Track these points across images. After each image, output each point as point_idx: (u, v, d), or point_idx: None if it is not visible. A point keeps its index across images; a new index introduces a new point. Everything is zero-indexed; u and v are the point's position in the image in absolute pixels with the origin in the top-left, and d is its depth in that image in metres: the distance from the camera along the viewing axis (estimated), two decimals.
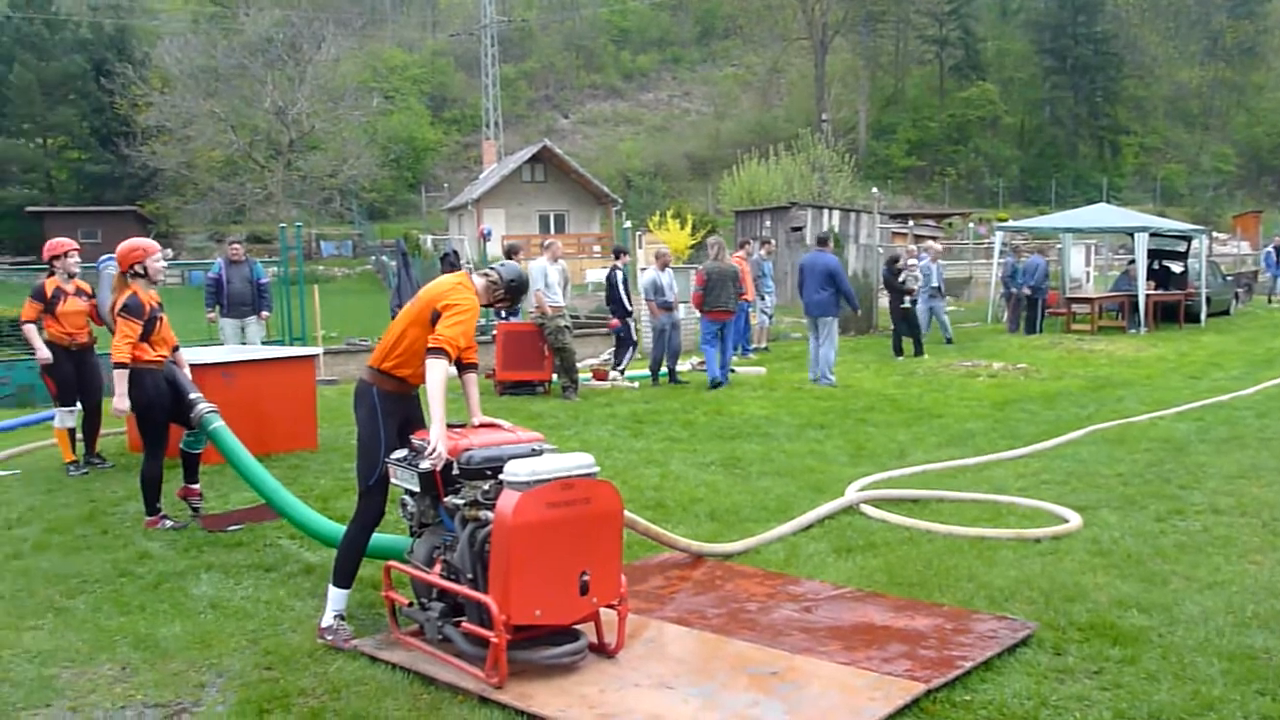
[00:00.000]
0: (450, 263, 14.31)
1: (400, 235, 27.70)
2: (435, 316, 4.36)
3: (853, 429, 9.35)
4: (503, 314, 13.65)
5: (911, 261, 15.29)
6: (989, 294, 21.90)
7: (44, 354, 8.01)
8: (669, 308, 12.65)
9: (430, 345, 4.28)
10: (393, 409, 4.51)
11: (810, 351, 12.64)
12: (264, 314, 12.09)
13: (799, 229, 23.88)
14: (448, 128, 62.35)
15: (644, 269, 14.74)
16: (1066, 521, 5.81)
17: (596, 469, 4.02)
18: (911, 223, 32.40)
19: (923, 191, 59.91)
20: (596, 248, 40.73)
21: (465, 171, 57.34)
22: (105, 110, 45.98)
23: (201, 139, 42.76)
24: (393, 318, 5.12)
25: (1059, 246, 22.91)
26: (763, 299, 16.84)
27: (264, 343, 12.00)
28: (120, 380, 6.00)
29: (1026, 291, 18.03)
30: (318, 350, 10.80)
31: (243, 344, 11.31)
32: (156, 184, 46.51)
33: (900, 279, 14.84)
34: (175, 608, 4.82)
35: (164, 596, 5.00)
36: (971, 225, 38.87)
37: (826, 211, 23.57)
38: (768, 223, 25.93)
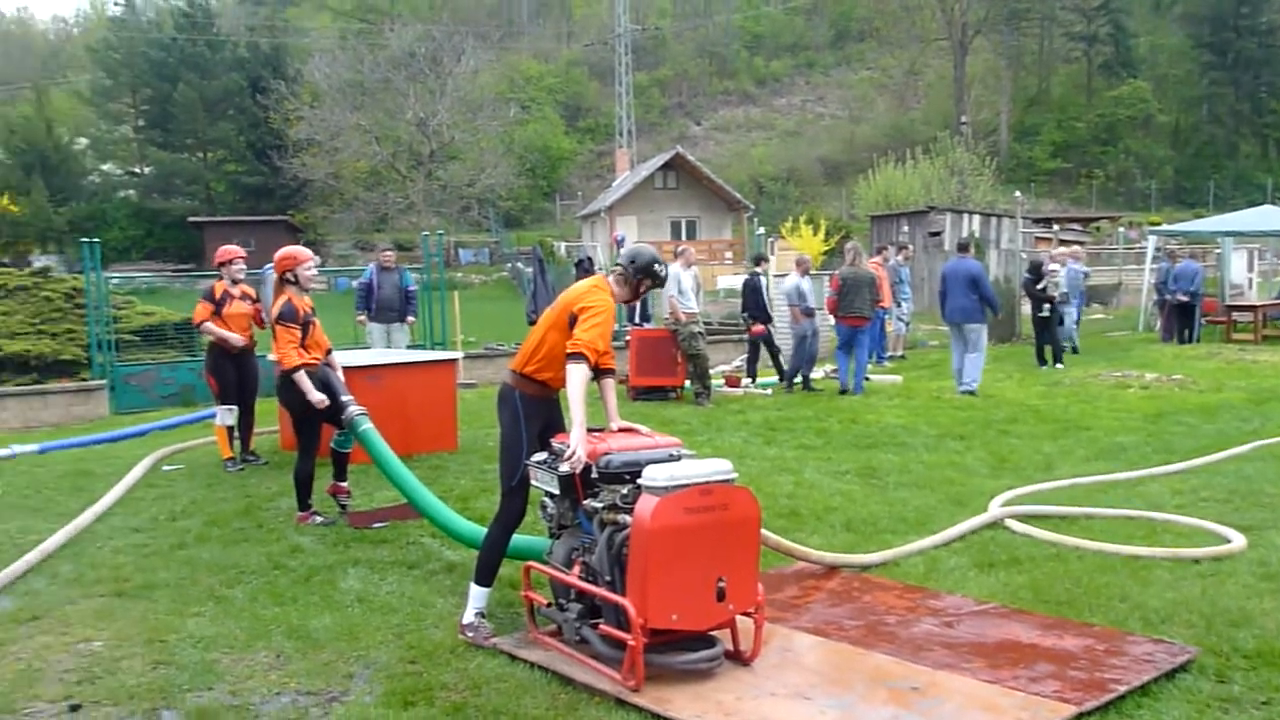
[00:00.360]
0: (584, 269, 14.49)
1: (535, 242, 28.19)
2: (573, 320, 4.42)
3: (995, 440, 9.08)
4: (636, 319, 13.79)
5: (1054, 267, 14.75)
6: (1140, 301, 20.96)
7: (236, 339, 8.42)
8: (810, 314, 12.58)
9: (569, 351, 4.34)
10: (534, 413, 4.59)
11: (953, 360, 12.32)
12: (410, 319, 12.43)
13: (937, 234, 23.36)
14: (582, 136, 63.24)
15: (779, 275, 14.62)
16: (1229, 542, 5.49)
17: (735, 475, 4.01)
18: (1056, 227, 31.27)
19: (1068, 195, 57.72)
20: (728, 254, 40.65)
21: (598, 179, 58.05)
22: (260, 125, 48.21)
23: (348, 151, 44.39)
24: (529, 324, 5.21)
25: (1217, 251, 21.75)
26: (899, 306, 16.52)
27: (408, 347, 12.36)
28: (301, 381, 6.30)
29: (1182, 298, 17.12)
30: (458, 355, 11.07)
31: (388, 348, 11.68)
32: (306, 194, 48.57)
33: (1040, 285, 14.34)
34: (325, 600, 5.01)
35: (314, 589, 5.20)
36: (1121, 230, 37.26)
37: (966, 216, 23.00)
38: (905, 228, 25.45)
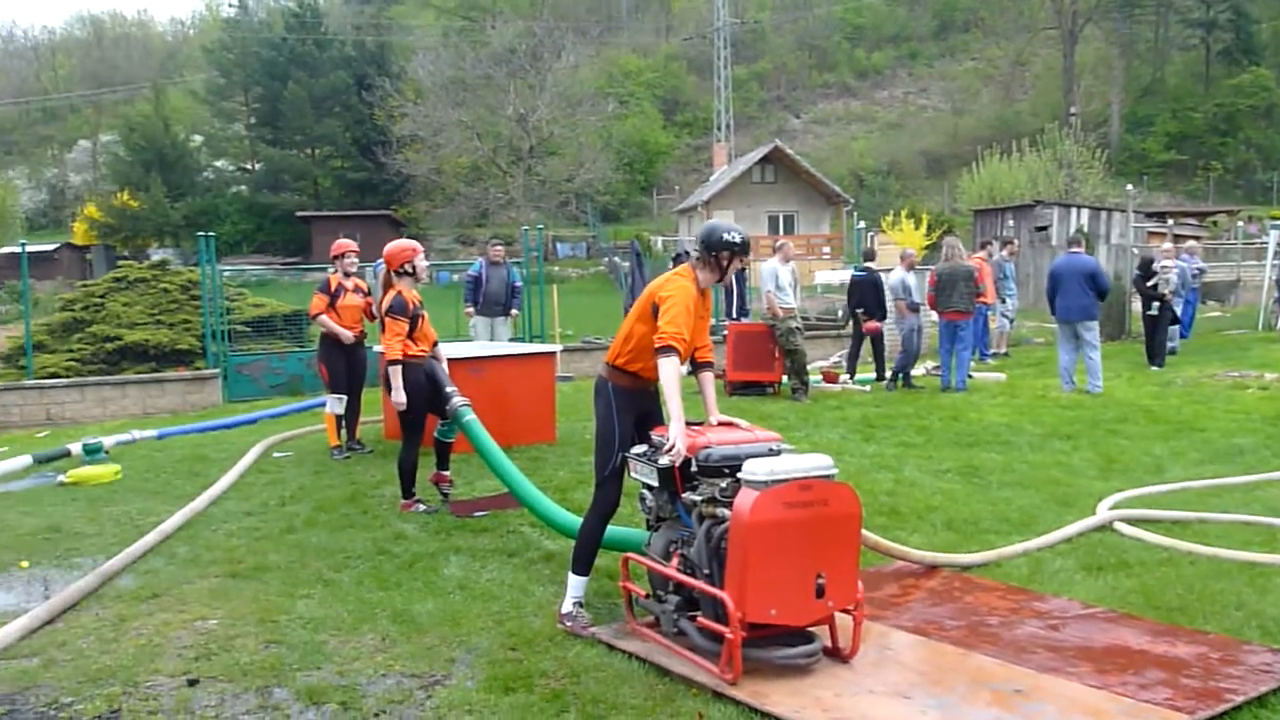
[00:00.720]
0: (682, 263, 14.48)
1: (633, 237, 28.33)
2: (655, 311, 4.44)
3: (1103, 440, 8.80)
4: (734, 314, 13.75)
5: (1167, 263, 14.22)
6: (1259, 299, 20.09)
7: (346, 334, 8.68)
8: (916, 309, 12.42)
9: (656, 345, 4.34)
10: (627, 404, 4.61)
11: (1060, 360, 11.96)
12: (514, 312, 12.58)
13: (1044, 228, 22.75)
14: (679, 131, 63.23)
15: (883, 270, 14.39)
16: None
17: (835, 471, 3.97)
18: (1171, 221, 30.16)
19: (1183, 188, 55.60)
20: (826, 249, 40.23)
21: (696, 174, 57.99)
22: (365, 121, 49.43)
23: (450, 146, 45.21)
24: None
25: None
26: (1003, 302, 16.12)
27: (509, 340, 12.55)
28: (395, 375, 6.46)
29: None
30: (557, 348, 11.19)
31: (491, 340, 11.87)
32: (409, 189, 49.65)
33: (1151, 283, 13.85)
34: (428, 586, 5.13)
35: (417, 575, 5.32)
36: (1240, 224, 35.76)
37: (1074, 210, 22.31)
38: (1010, 222, 24.82)
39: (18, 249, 19.29)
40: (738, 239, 4.54)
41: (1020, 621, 4.49)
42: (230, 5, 63.22)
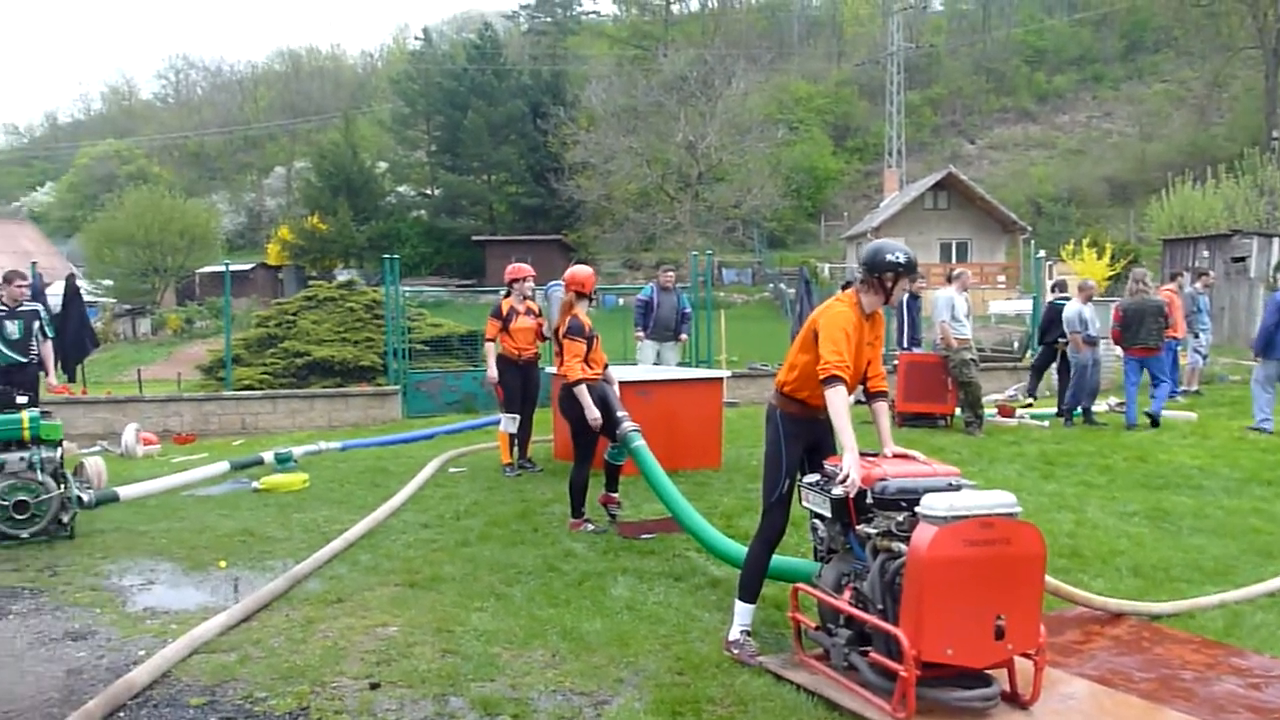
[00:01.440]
0: (910, 305, 14.21)
1: (800, 263, 28.18)
2: (816, 338, 4.39)
3: None
4: (905, 343, 13.46)
5: None
6: None
7: (492, 374, 8.99)
8: (1093, 342, 11.87)
9: (820, 376, 4.29)
10: (796, 431, 4.57)
11: (1256, 398, 11.21)
12: (683, 337, 12.65)
13: (1242, 259, 21.38)
14: (849, 156, 62.46)
15: (1061, 298, 13.80)
16: None
17: (1019, 509, 3.83)
18: None
19: None
20: (1001, 278, 38.93)
21: (865, 200, 57.14)
22: (539, 149, 50.85)
23: (620, 173, 45.99)
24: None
25: None
26: (1196, 337, 15.21)
27: (676, 365, 12.62)
28: (582, 395, 6.62)
29: None
30: (726, 373, 11.20)
31: (657, 364, 11.97)
32: (579, 215, 50.72)
33: None
34: (596, 605, 5.20)
35: (586, 594, 5.41)
36: None
37: (1276, 240, 20.87)
38: (1204, 252, 23.45)
39: (220, 268, 20.67)
40: (902, 259, 4.41)
41: (1217, 678, 4.22)
42: (416, 38, 66.45)
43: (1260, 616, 5.01)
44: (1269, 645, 4.62)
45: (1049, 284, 17.86)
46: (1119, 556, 6.10)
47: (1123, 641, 4.71)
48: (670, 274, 12.60)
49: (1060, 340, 12.76)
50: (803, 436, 4.59)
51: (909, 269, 4.43)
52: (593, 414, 6.57)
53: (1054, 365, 13.39)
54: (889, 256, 4.41)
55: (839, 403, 4.24)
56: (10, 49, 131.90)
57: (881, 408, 4.68)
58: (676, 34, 66.02)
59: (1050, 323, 13.13)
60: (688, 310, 12.71)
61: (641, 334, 12.19)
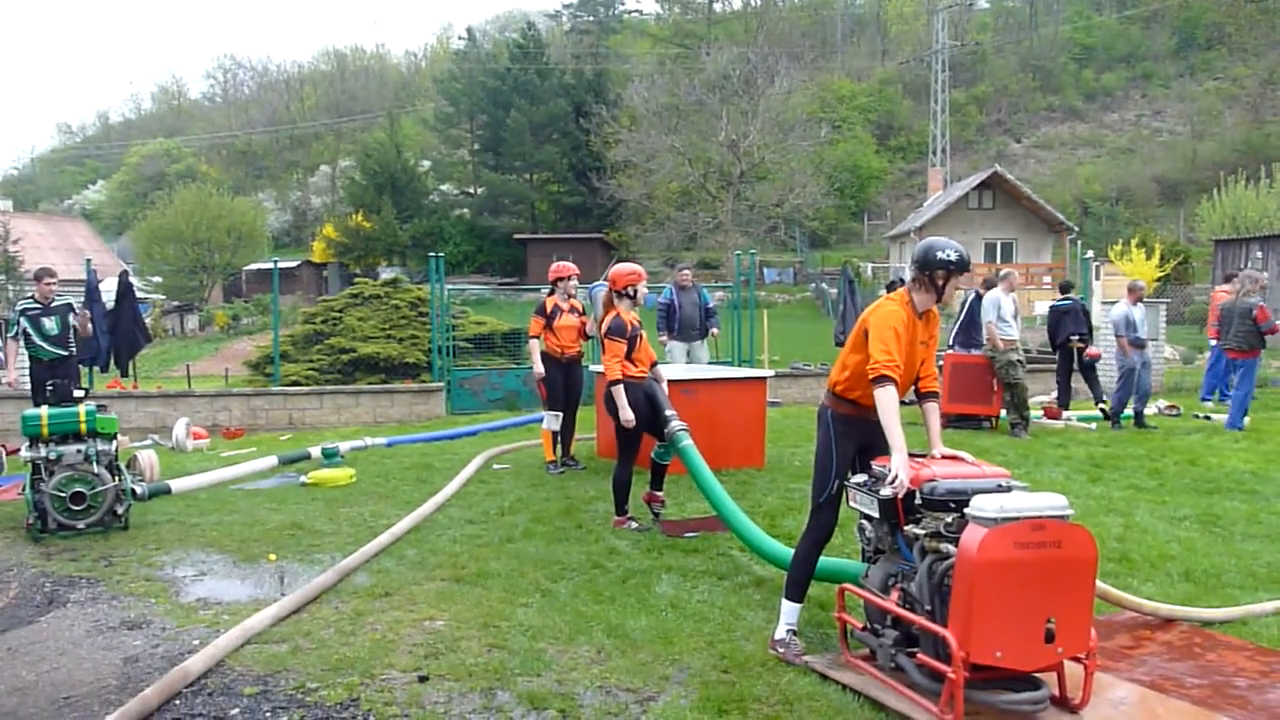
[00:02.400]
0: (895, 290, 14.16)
1: (843, 263, 27.99)
2: (866, 337, 4.37)
3: None
4: (952, 344, 13.33)
5: None
6: None
7: (539, 369, 9.04)
8: (1141, 345, 11.71)
9: (870, 375, 4.28)
10: (846, 431, 4.55)
11: None
12: (714, 331, 12.49)
13: None
14: (893, 155, 62.02)
15: (1107, 302, 13.69)
16: None
17: (1070, 511, 3.79)
18: None
19: None
20: (1047, 278, 38.43)
21: (908, 199, 56.69)
22: (581, 148, 50.96)
23: (662, 172, 45.95)
24: (836, 345, 5.10)
25: None
26: None
27: (710, 363, 12.54)
28: (619, 395, 6.64)
29: None
30: (769, 373, 11.16)
31: (688, 363, 11.89)
32: (620, 214, 50.74)
33: None
34: (640, 602, 5.21)
35: (630, 591, 5.43)
36: None
37: None
38: (1258, 253, 23.04)
39: (268, 265, 20.93)
40: (954, 256, 4.37)
41: (1272, 685, 4.15)
42: (460, 38, 66.88)
43: None
44: None
45: (1098, 284, 17.71)
46: (1169, 561, 6.02)
47: (1174, 647, 4.65)
48: (686, 272, 12.45)
49: (1072, 338, 12.71)
50: (854, 437, 4.57)
51: (961, 266, 4.40)
52: (626, 415, 6.59)
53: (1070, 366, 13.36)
54: (940, 254, 4.38)
55: (888, 403, 4.22)
56: (63, 49, 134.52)
57: (932, 408, 4.64)
58: (719, 32, 65.93)
59: (1055, 325, 13.06)
60: (711, 304, 12.55)
61: (665, 337, 12.06)
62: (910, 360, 4.45)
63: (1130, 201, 53.17)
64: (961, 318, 12.55)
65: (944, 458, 4.29)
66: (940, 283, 4.42)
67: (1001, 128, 65.54)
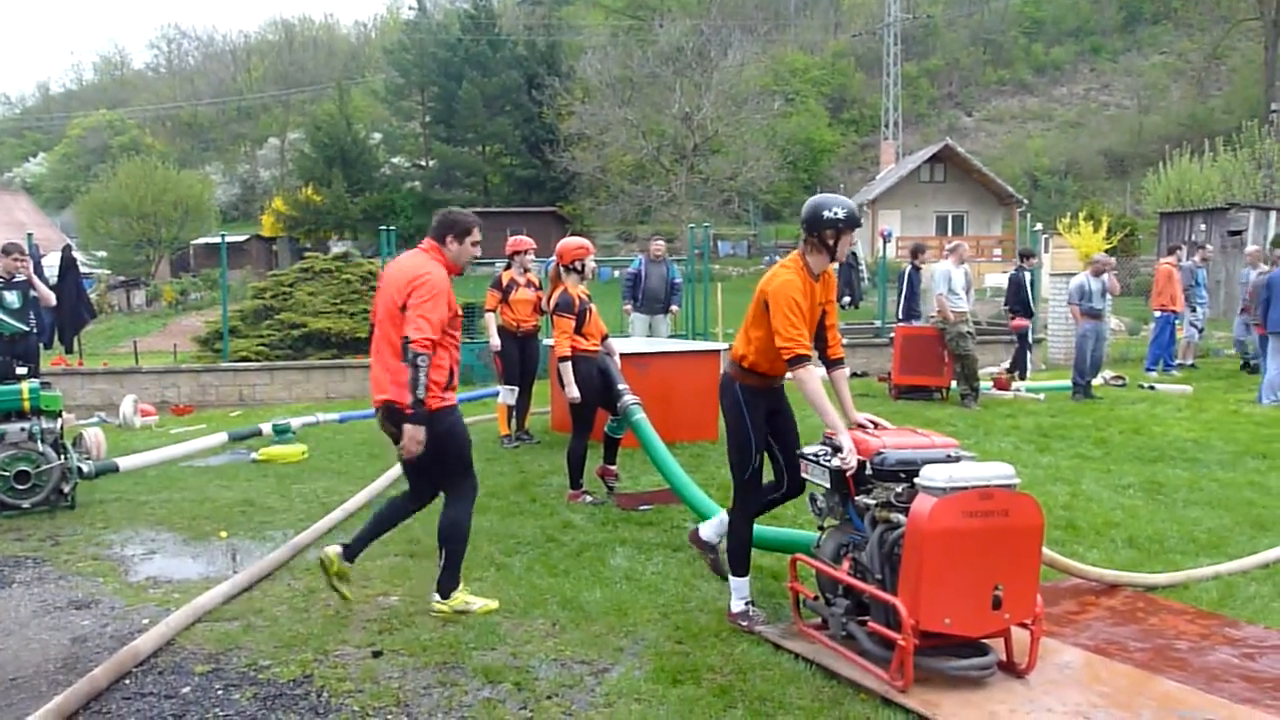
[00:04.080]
0: (848, 264, 14.28)
1: (796, 236, 28.11)
2: (766, 309, 4.31)
3: None
4: (901, 315, 13.48)
5: None
6: None
7: (495, 343, 9.00)
8: (1096, 315, 11.91)
9: (784, 357, 4.23)
10: (755, 401, 4.52)
11: (1269, 372, 11.35)
12: (674, 309, 12.59)
13: (1238, 233, 21.40)
14: (845, 129, 62.26)
15: (1057, 274, 13.97)
16: None
17: (1017, 480, 3.85)
18: None
19: None
20: (997, 251, 38.93)
21: (861, 172, 57.03)
22: (534, 120, 50.56)
23: (615, 145, 45.76)
24: None
25: None
26: (1194, 310, 15.27)
27: (669, 337, 12.61)
28: (565, 371, 6.63)
29: None
30: (723, 346, 11.20)
31: (649, 336, 11.97)
32: (574, 187, 50.53)
33: None
34: (595, 575, 5.23)
35: (585, 564, 5.45)
36: None
37: (1273, 213, 20.89)
38: (1201, 225, 23.49)
39: (215, 240, 20.59)
40: (842, 214, 4.28)
41: (1211, 648, 4.27)
42: (410, 8, 65.83)
43: (1254, 588, 5.06)
44: (1262, 616, 4.67)
45: (1046, 257, 18.00)
46: (1114, 528, 6.16)
47: (1118, 612, 4.75)
48: (660, 244, 12.51)
49: (1007, 309, 13.20)
50: (762, 406, 4.54)
51: (850, 223, 4.30)
52: (572, 393, 6.59)
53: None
54: (827, 213, 4.29)
55: (813, 384, 4.18)
56: (2, 18, 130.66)
57: (841, 375, 4.57)
58: (672, 4, 65.54)
59: (1014, 294, 13.57)
60: (678, 281, 12.65)
61: (629, 307, 12.12)
62: (811, 324, 4.40)
63: (1078, 174, 53.91)
64: (905, 291, 12.87)
65: (860, 427, 4.30)
66: (831, 242, 4.33)
67: (953, 101, 66.03)
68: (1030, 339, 13.72)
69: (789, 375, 4.37)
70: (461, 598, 4.70)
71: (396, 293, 4.48)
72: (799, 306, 4.25)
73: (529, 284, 9.11)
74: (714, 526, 5.01)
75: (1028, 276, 13.57)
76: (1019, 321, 13.54)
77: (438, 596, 4.69)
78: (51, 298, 10.38)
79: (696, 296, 15.78)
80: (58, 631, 4.61)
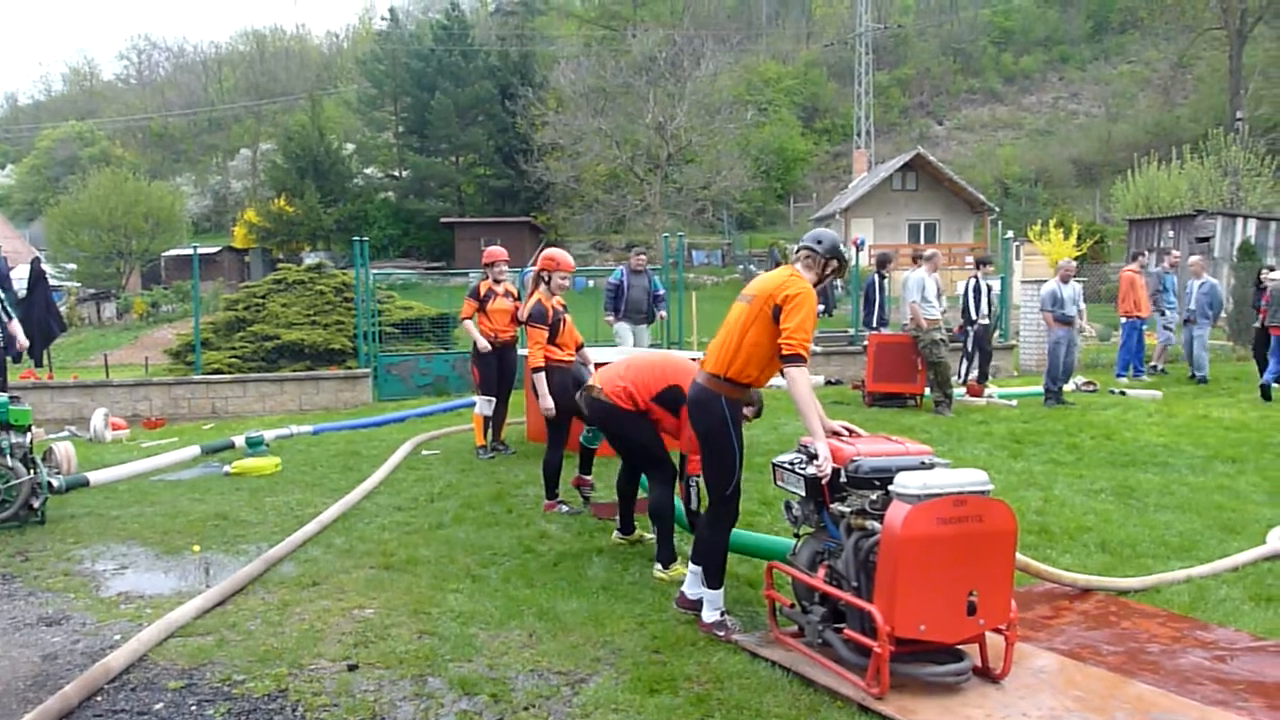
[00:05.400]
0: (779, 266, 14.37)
1: (770, 245, 28.24)
2: (777, 312, 4.33)
3: (1273, 464, 8.35)
4: (874, 324, 13.56)
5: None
6: None
7: (483, 344, 8.97)
8: (1068, 322, 12.03)
9: (787, 353, 4.25)
10: (740, 415, 4.54)
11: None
12: (661, 314, 12.69)
13: (1206, 239, 21.66)
14: (818, 138, 62.62)
15: (1030, 281, 14.10)
16: None
17: (990, 487, 3.89)
18: None
19: None
20: (969, 258, 39.17)
21: (834, 181, 57.34)
22: (508, 130, 50.48)
23: (589, 154, 45.73)
24: None
25: None
26: (1163, 315, 15.44)
27: (650, 345, 12.64)
28: (540, 382, 6.63)
29: None
30: (698, 355, 11.22)
31: (634, 346, 11.99)
32: (548, 196, 50.46)
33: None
34: (572, 585, 5.22)
35: (562, 574, 5.43)
36: None
37: (1240, 220, 21.17)
38: (1170, 232, 23.75)
39: (187, 251, 20.41)
40: (846, 257, 4.64)
41: (1183, 651, 4.31)
42: (382, 19, 65.72)
43: (1224, 591, 5.12)
44: (1233, 619, 4.73)
45: (1018, 264, 18.15)
46: (1087, 533, 6.21)
47: (1091, 616, 4.80)
48: (642, 256, 12.63)
49: (966, 322, 13.32)
50: (741, 417, 4.59)
51: (845, 269, 4.65)
52: (546, 403, 6.59)
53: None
54: (842, 249, 4.58)
55: (805, 386, 4.22)
56: None
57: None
58: (645, 14, 65.81)
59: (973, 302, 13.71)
60: (661, 291, 12.75)
61: (611, 317, 12.20)
62: None
63: (1048, 182, 54.43)
64: (872, 299, 13.27)
65: (833, 434, 4.33)
66: (829, 271, 4.56)
67: (924, 110, 66.57)
68: (986, 345, 13.75)
69: (782, 372, 4.37)
70: (680, 569, 5.21)
71: None
72: (812, 313, 4.39)
73: (506, 294, 9.10)
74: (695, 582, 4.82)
75: (973, 283, 13.63)
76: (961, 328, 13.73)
77: (659, 565, 5.33)
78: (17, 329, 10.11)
79: (672, 306, 15.79)
80: (28, 649, 4.55)
